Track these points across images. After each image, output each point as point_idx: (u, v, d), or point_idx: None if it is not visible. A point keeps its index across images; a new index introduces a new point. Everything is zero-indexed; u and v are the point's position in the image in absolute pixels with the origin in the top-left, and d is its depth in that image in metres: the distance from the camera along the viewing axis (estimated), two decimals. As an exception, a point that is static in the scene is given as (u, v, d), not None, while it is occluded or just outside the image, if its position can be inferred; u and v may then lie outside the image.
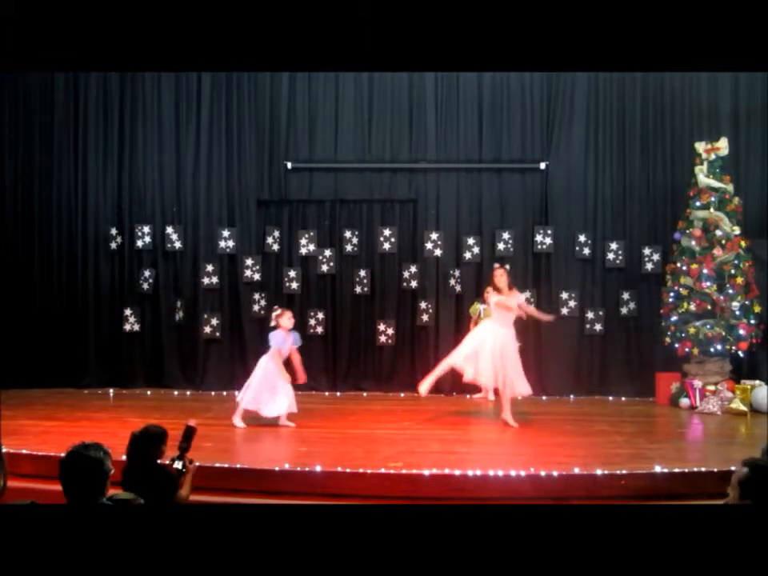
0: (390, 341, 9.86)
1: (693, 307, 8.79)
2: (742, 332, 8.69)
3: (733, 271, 8.79)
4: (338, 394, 9.72)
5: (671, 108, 9.80)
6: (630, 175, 9.82)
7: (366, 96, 10.03)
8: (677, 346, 8.93)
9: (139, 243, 10.01)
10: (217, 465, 5.76)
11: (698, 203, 8.97)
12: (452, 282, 9.86)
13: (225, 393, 9.54)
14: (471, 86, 9.93)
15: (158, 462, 4.15)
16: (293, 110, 10.05)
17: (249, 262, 9.96)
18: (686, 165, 9.48)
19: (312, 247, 9.98)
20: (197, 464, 4.30)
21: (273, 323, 7.53)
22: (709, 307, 8.76)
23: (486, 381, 7.69)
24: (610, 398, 9.49)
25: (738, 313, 8.71)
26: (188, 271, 10.08)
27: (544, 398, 9.54)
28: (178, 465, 4.24)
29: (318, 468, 5.64)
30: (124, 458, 4.10)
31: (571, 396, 9.60)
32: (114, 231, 10.05)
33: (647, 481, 5.59)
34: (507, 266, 8.02)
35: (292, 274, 9.96)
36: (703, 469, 5.76)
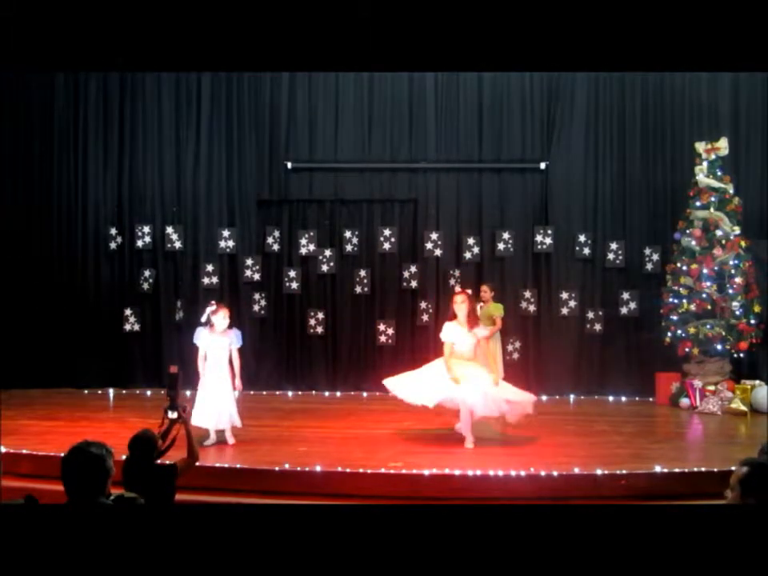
0: (390, 341, 9.85)
1: (693, 307, 8.79)
2: (741, 332, 8.69)
3: (733, 271, 8.78)
4: (338, 393, 9.71)
5: (671, 108, 9.80)
6: (630, 175, 9.82)
7: (366, 96, 10.03)
8: (677, 345, 8.93)
9: (139, 243, 10.01)
10: (217, 465, 5.77)
11: (698, 203, 8.96)
12: (452, 281, 9.85)
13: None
14: (471, 86, 9.93)
15: (157, 462, 4.15)
16: (293, 110, 10.05)
17: (249, 261, 9.96)
18: (686, 165, 9.48)
19: (312, 247, 9.97)
20: (191, 411, 4.28)
21: (204, 319, 6.59)
22: (709, 307, 8.76)
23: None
24: (610, 398, 9.49)
25: (738, 313, 8.71)
26: (188, 271, 10.08)
27: (544, 398, 9.53)
28: (172, 415, 4.24)
29: (318, 468, 5.64)
30: (124, 457, 4.10)
31: (571, 396, 9.60)
32: (113, 231, 10.04)
33: (647, 481, 5.60)
34: (469, 291, 7.00)
35: (292, 273, 9.96)
36: (703, 469, 5.77)
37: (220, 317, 6.54)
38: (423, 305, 9.81)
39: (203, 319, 6.60)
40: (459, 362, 6.72)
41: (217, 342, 6.56)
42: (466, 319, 6.73)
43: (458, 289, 7.54)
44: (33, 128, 10.08)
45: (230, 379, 6.61)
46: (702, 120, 9.74)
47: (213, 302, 6.84)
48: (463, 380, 6.56)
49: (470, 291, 7.08)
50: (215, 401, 6.48)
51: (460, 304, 6.72)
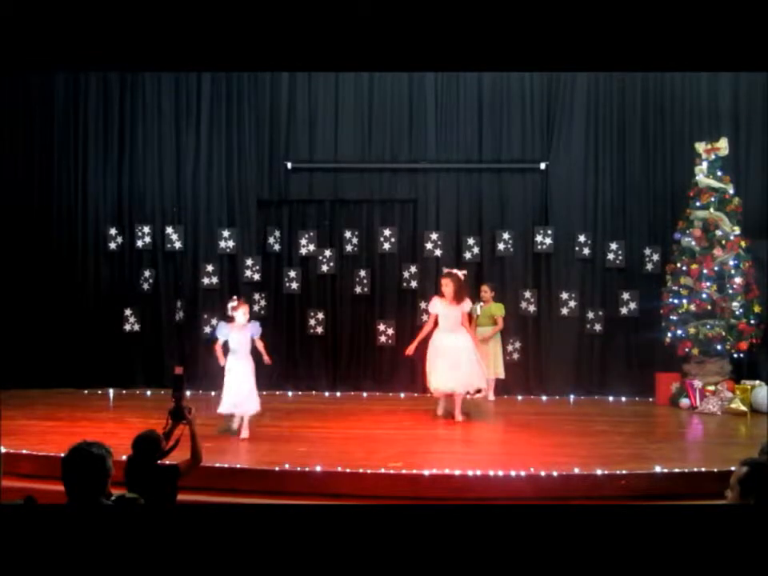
0: (390, 341, 9.85)
1: (693, 307, 8.79)
2: (741, 332, 8.69)
3: (733, 271, 8.78)
4: (338, 394, 9.70)
5: (671, 108, 9.79)
6: (630, 175, 9.81)
7: (366, 96, 10.02)
8: (677, 346, 8.93)
9: (139, 243, 10.00)
10: (217, 465, 5.76)
11: (698, 203, 8.96)
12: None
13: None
14: (471, 86, 9.92)
15: (158, 463, 4.14)
16: (293, 110, 10.04)
17: (249, 262, 9.95)
18: (686, 165, 9.47)
19: (312, 247, 9.97)
20: (194, 412, 4.31)
21: (229, 314, 7.24)
22: (709, 307, 8.75)
23: (442, 388, 7.87)
24: (610, 398, 9.49)
25: (738, 313, 8.70)
26: (188, 271, 10.07)
27: (544, 398, 9.54)
28: (177, 416, 4.24)
29: (318, 468, 5.64)
30: (124, 458, 4.09)
31: (571, 396, 9.59)
32: (113, 231, 10.04)
33: (647, 481, 5.60)
34: (460, 273, 7.99)
35: (292, 274, 9.96)
36: (703, 469, 5.76)
37: (240, 312, 7.07)
38: (423, 305, 9.78)
39: (228, 314, 7.22)
40: (442, 351, 7.79)
41: (238, 335, 7.05)
42: (452, 296, 7.81)
43: (444, 270, 8.44)
44: (33, 128, 10.07)
45: (249, 367, 7.14)
46: (702, 120, 9.73)
47: (234, 297, 7.35)
48: (445, 369, 7.71)
49: (455, 272, 8.00)
50: (237, 387, 6.97)
51: (444, 287, 7.87)
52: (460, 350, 7.76)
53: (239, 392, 6.96)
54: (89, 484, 3.19)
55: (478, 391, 9.16)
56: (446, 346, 7.80)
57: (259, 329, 7.22)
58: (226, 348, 7.14)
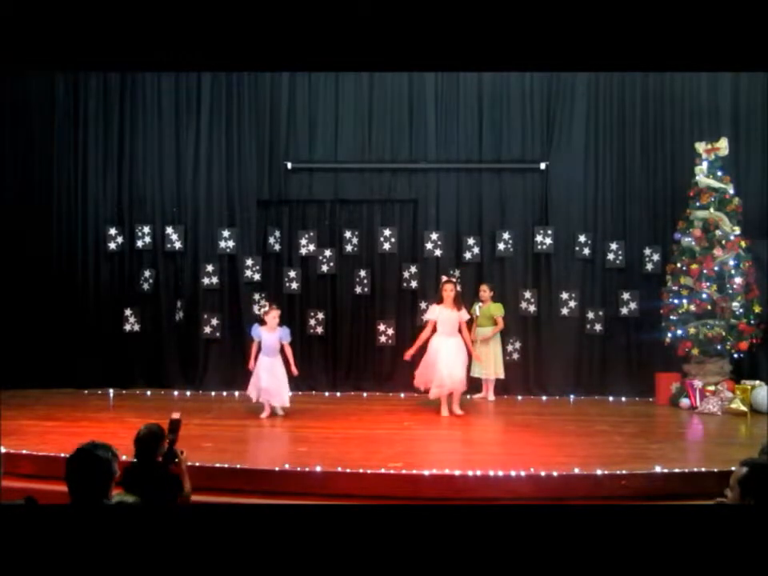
0: (390, 341, 9.85)
1: (693, 307, 8.79)
2: (741, 332, 8.69)
3: (733, 271, 8.78)
4: (338, 394, 9.71)
5: (671, 108, 9.79)
6: (630, 175, 9.81)
7: (366, 96, 10.01)
8: (677, 346, 8.93)
9: (139, 243, 10.00)
10: (217, 465, 5.76)
11: (697, 203, 8.96)
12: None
13: (225, 393, 9.55)
14: (471, 86, 9.92)
15: (159, 460, 4.14)
16: (293, 110, 10.03)
17: (249, 262, 9.95)
18: (686, 165, 9.47)
19: (312, 247, 9.97)
20: (186, 455, 4.31)
21: (262, 318, 8.07)
22: (709, 307, 8.75)
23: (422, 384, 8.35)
24: (610, 398, 9.49)
25: (738, 313, 8.70)
26: (188, 271, 10.07)
27: (544, 398, 9.54)
28: (169, 459, 4.24)
29: (318, 468, 5.64)
30: (125, 458, 4.09)
31: (571, 396, 9.59)
32: (113, 231, 10.04)
33: (647, 481, 5.59)
34: (455, 279, 8.50)
35: (292, 274, 9.95)
36: (703, 469, 5.76)
37: (271, 316, 7.94)
38: (423, 305, 9.78)
39: (261, 318, 8.09)
40: (439, 351, 8.10)
41: (269, 336, 7.93)
42: (453, 302, 8.14)
43: (444, 278, 8.52)
44: (33, 128, 10.07)
45: (286, 366, 8.09)
46: (702, 120, 9.73)
47: (266, 303, 8.34)
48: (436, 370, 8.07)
49: (454, 279, 8.47)
50: (265, 380, 7.82)
51: (449, 292, 8.15)
52: (453, 354, 8.10)
53: (266, 383, 7.80)
54: (92, 486, 3.18)
55: (479, 391, 9.28)
56: (443, 349, 8.11)
57: (288, 335, 8.07)
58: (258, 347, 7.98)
